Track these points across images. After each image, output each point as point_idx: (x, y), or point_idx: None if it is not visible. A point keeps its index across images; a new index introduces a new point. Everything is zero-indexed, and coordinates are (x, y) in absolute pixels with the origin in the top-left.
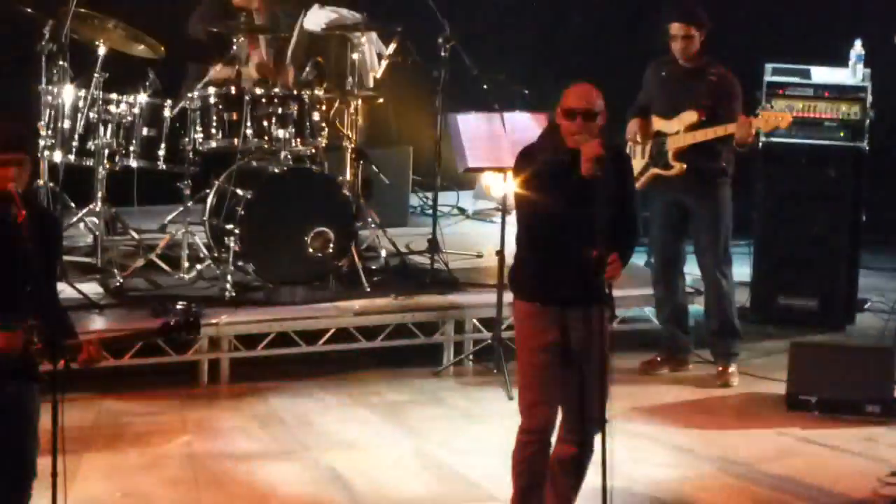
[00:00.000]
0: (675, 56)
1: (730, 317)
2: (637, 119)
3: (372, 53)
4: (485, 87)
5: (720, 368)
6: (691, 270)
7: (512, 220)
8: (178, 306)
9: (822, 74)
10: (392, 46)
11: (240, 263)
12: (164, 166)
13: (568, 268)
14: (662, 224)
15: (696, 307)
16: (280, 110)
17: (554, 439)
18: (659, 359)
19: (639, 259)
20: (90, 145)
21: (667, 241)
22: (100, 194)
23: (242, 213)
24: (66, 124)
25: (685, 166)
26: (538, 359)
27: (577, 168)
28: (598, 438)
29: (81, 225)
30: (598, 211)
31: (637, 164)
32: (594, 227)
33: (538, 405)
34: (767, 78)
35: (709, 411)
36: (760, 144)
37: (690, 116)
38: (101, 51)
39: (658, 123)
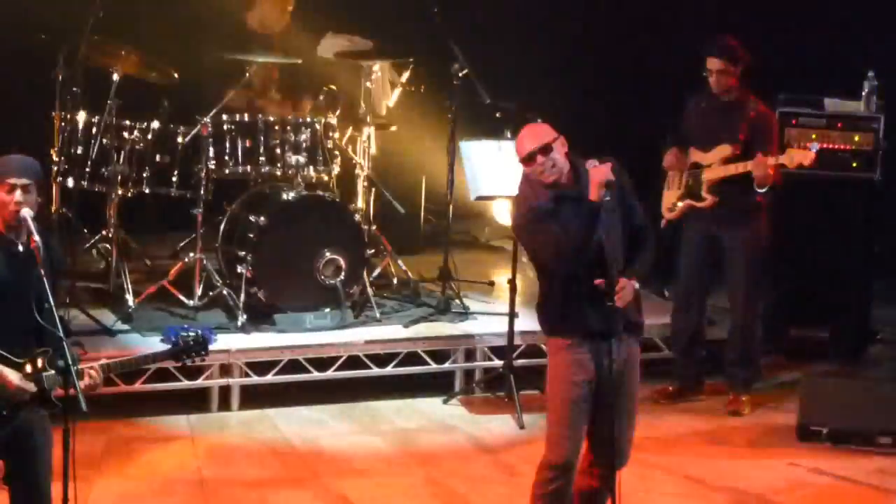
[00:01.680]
0: (712, 88)
1: (750, 349)
2: (674, 149)
3: (385, 81)
4: (497, 115)
5: (732, 397)
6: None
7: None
8: (189, 331)
9: (834, 105)
10: (405, 74)
11: (252, 290)
12: (177, 192)
13: (590, 298)
14: (692, 255)
15: (711, 337)
16: (293, 137)
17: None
18: (671, 388)
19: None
20: (104, 171)
21: (694, 271)
22: (113, 220)
23: (255, 239)
24: (80, 150)
25: (717, 199)
26: (569, 393)
27: (585, 195)
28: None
29: (94, 251)
30: (608, 236)
31: (673, 194)
32: (607, 256)
33: (566, 440)
34: (780, 108)
35: (720, 441)
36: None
37: (724, 150)
38: (115, 77)
39: (695, 155)
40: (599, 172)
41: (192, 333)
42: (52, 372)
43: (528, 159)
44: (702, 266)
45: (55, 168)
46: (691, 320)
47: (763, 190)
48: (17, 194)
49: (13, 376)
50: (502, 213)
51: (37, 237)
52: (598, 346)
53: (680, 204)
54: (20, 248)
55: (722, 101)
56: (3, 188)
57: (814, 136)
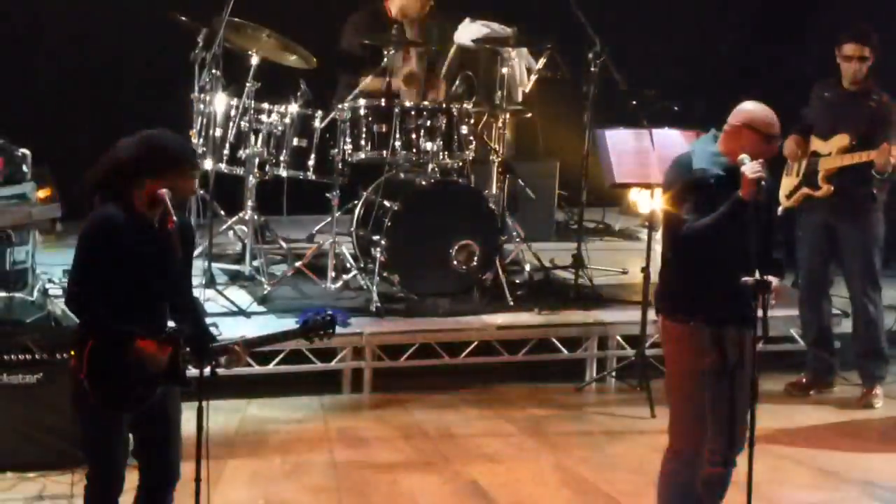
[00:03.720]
0: (843, 78)
1: (877, 340)
2: (795, 137)
3: (521, 68)
4: (634, 102)
5: (865, 391)
6: (839, 292)
7: (658, 237)
8: (323, 313)
9: None
10: (542, 61)
11: (385, 274)
12: (314, 176)
13: (723, 288)
14: (811, 245)
15: (844, 329)
16: (429, 123)
17: None
18: (804, 380)
19: (786, 280)
20: (241, 154)
21: (814, 262)
22: (249, 203)
23: (389, 224)
24: (218, 133)
25: (832, 188)
26: (693, 383)
27: (737, 189)
28: (743, 459)
29: (231, 233)
30: (756, 233)
31: (791, 181)
32: (748, 248)
33: (694, 431)
34: None
35: (853, 434)
36: None
37: (842, 140)
38: (254, 60)
39: (815, 144)
40: (754, 170)
41: (322, 314)
42: (187, 349)
43: (771, 139)
44: (822, 256)
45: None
46: (817, 311)
47: (881, 176)
48: (192, 185)
49: (152, 345)
50: (637, 201)
51: (175, 217)
52: (720, 332)
53: (797, 192)
54: (156, 225)
55: (846, 90)
56: (180, 177)
57: None
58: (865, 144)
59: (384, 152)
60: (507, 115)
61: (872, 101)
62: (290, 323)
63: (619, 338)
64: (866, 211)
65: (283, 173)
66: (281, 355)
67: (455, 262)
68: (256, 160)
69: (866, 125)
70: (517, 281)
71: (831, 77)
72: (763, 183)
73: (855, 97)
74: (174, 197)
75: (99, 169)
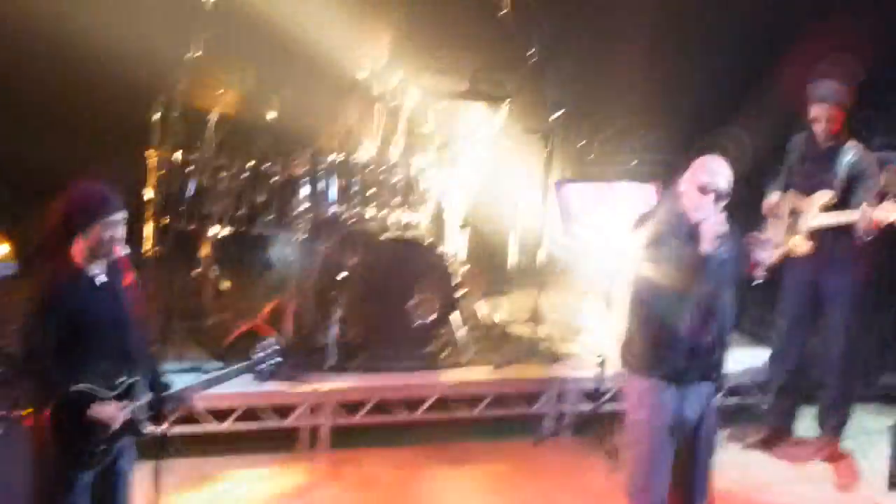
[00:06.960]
0: (816, 134)
1: (848, 394)
2: (776, 193)
3: (479, 121)
4: (591, 156)
5: (823, 442)
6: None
7: (617, 290)
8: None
9: None
10: (501, 115)
11: (343, 329)
12: (272, 231)
13: (683, 344)
14: (792, 301)
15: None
16: (387, 178)
17: None
18: (761, 432)
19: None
20: (199, 210)
21: (794, 318)
22: (207, 259)
23: (347, 279)
24: (176, 189)
25: (815, 245)
26: (652, 441)
27: (696, 244)
28: None
29: (188, 289)
30: (717, 288)
31: (773, 238)
32: (709, 304)
33: (649, 489)
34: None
35: (810, 486)
36: None
37: (823, 196)
38: (213, 116)
39: (795, 200)
40: (713, 226)
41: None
42: (142, 402)
43: (703, 189)
44: (802, 312)
45: (151, 207)
46: (788, 366)
47: (869, 238)
48: (118, 231)
49: (108, 407)
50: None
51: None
52: (680, 388)
53: (780, 249)
54: (104, 279)
55: (822, 145)
56: (103, 228)
57: None
58: (846, 201)
59: (342, 207)
60: (466, 168)
61: (849, 156)
62: (246, 379)
63: (576, 392)
64: (852, 265)
65: (241, 228)
66: (238, 413)
67: (413, 317)
68: (214, 216)
69: (846, 181)
70: (475, 336)
71: (806, 131)
72: (722, 238)
73: (832, 152)
74: (101, 252)
75: (39, 232)
